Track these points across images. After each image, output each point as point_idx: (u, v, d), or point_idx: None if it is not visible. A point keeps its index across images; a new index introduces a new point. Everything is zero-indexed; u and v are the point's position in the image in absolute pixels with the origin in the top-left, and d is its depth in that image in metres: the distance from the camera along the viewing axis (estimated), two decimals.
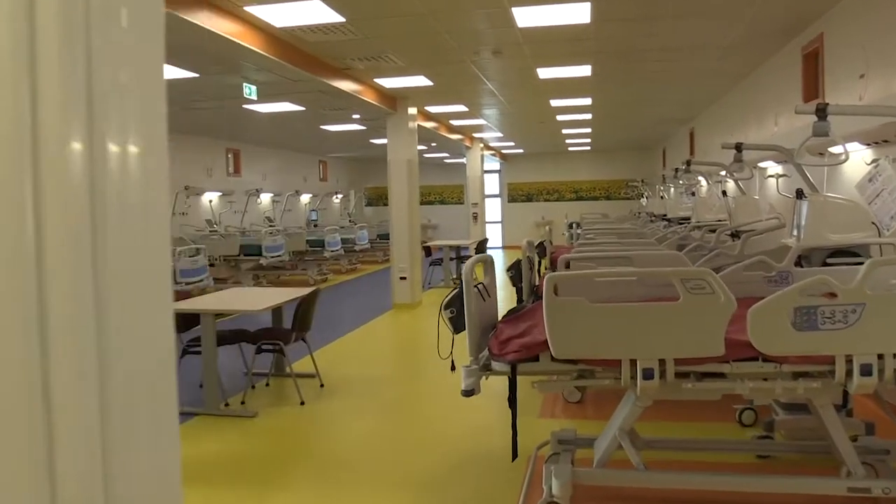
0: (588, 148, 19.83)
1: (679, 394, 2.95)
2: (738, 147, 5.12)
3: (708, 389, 2.92)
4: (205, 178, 13.88)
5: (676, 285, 2.77)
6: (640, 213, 14.80)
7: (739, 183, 7.14)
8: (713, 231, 6.43)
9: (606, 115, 12.61)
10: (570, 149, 19.95)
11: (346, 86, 8.09)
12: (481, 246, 13.42)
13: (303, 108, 9.98)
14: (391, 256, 10.31)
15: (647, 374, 2.83)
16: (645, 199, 16.24)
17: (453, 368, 3.31)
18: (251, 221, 14.79)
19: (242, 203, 14.54)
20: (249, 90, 7.30)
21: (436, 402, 5.47)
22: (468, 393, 3.04)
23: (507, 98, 10.33)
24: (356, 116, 11.16)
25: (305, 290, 5.67)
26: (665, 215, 10.36)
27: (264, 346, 5.46)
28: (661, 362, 2.83)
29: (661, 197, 11.88)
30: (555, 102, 10.87)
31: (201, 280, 9.43)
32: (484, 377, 3.17)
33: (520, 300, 5.37)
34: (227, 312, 5.18)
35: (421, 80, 8.56)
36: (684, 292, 2.76)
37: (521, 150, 20.48)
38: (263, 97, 8.34)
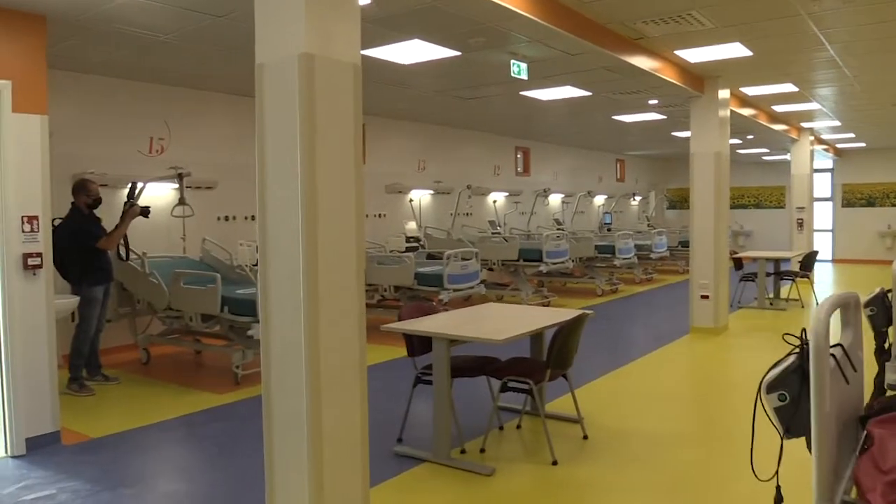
0: None
1: None
2: None
3: None
4: (491, 176, 13.35)
5: None
6: None
7: None
8: None
9: None
10: None
11: (639, 61, 6.60)
12: (808, 260, 10.89)
13: (589, 94, 8.62)
14: (691, 269, 8.56)
15: None
16: None
17: (780, 501, 1.80)
18: (538, 224, 13.91)
19: (529, 204, 13.70)
20: (518, 68, 6.16)
21: (747, 477, 3.78)
22: None
23: (853, 69, 7.93)
24: (653, 102, 9.50)
25: (568, 315, 4.38)
26: None
27: (510, 384, 4.29)
28: None
29: None
30: None
31: (472, 287, 8.62)
32: None
33: (881, 354, 3.48)
34: (460, 339, 4.09)
35: (736, 50, 6.73)
36: None
37: (861, 144, 16.90)
38: (539, 78, 7.18)
